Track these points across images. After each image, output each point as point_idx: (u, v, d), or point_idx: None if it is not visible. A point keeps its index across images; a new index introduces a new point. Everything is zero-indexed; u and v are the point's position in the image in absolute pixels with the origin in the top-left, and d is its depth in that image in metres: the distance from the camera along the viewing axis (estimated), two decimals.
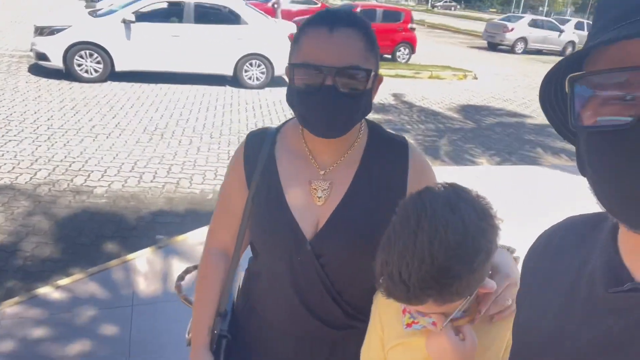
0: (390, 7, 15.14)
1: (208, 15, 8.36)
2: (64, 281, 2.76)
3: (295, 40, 0.94)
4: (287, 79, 0.96)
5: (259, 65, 8.48)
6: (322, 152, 1.03)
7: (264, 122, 6.71)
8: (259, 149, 1.06)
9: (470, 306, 0.83)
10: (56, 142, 5.19)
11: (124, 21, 7.61)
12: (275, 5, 14.20)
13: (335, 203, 1.00)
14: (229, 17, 8.38)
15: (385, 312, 0.93)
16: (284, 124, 1.12)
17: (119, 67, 7.82)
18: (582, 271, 0.57)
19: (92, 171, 4.56)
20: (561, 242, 0.64)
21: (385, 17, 12.87)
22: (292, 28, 8.73)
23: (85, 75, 7.71)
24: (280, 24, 9.08)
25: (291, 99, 0.95)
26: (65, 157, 4.83)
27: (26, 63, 8.61)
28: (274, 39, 8.35)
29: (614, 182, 0.46)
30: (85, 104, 6.69)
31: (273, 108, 7.50)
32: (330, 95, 0.87)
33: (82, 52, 7.59)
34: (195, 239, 3.28)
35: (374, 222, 0.96)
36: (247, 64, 8.41)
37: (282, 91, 8.57)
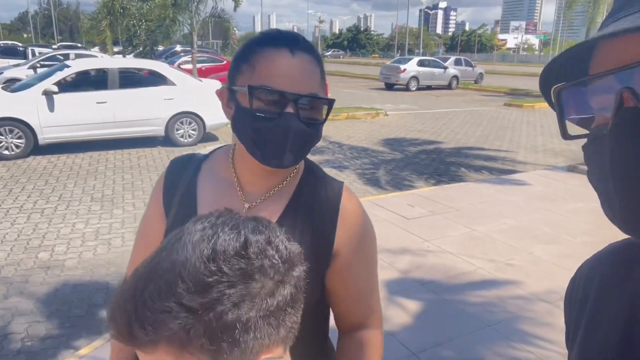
0: None
1: (133, 79, 8.39)
2: (85, 350, 2.67)
3: (243, 58, 0.85)
4: (227, 118, 0.89)
5: (189, 123, 8.58)
6: (251, 184, 0.93)
7: None
8: (180, 176, 0.97)
9: None
10: (1, 222, 4.85)
11: (45, 93, 7.37)
12: (182, 66, 14.46)
13: None
14: (155, 80, 8.46)
15: None
16: (213, 150, 1.02)
17: (43, 140, 7.47)
18: (636, 303, 0.51)
19: (54, 245, 4.35)
20: (605, 273, 0.58)
21: None
22: (216, 85, 9.03)
23: (5, 152, 7.25)
24: (206, 82, 9.33)
25: (241, 124, 0.84)
26: (19, 235, 4.54)
27: None
28: (202, 97, 8.57)
29: (604, 194, 0.45)
30: (16, 181, 6.30)
31: None
32: (290, 123, 0.80)
33: (1, 129, 7.17)
34: None
35: None
36: (178, 122, 8.49)
37: (214, 145, 8.71)
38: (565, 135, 0.48)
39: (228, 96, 0.88)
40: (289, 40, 0.83)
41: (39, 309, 3.30)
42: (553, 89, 0.47)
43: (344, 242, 0.91)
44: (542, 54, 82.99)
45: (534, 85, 25.28)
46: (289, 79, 0.80)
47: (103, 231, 4.71)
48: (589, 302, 0.58)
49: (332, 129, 10.69)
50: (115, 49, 22.89)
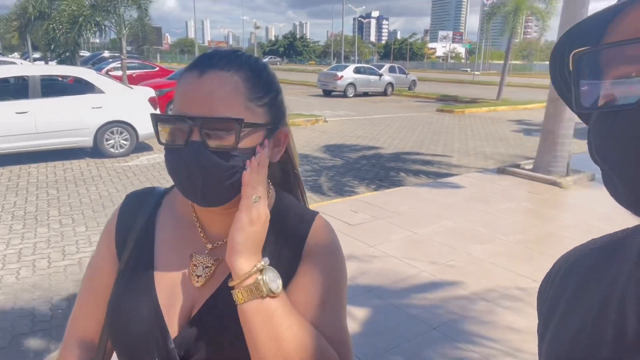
0: None
1: (57, 88, 7.87)
2: None
3: None
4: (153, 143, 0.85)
5: (121, 133, 8.16)
6: (212, 223, 0.82)
7: (144, 187, 6.47)
8: (136, 212, 0.86)
9: None
10: None
11: None
12: (110, 72, 13.79)
13: (215, 286, 0.78)
14: (81, 87, 7.97)
15: None
16: (173, 186, 0.88)
17: None
18: (611, 295, 0.50)
19: None
20: (586, 265, 0.57)
21: None
22: (150, 92, 8.67)
23: None
24: (138, 90, 8.91)
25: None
26: None
27: None
28: (134, 105, 8.18)
29: (619, 170, 0.42)
30: None
31: (148, 173, 7.27)
32: (196, 153, 0.68)
33: None
34: None
35: None
36: (108, 132, 8.04)
37: (148, 155, 8.35)
38: (579, 105, 0.44)
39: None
40: (202, 61, 0.73)
41: None
42: (574, 53, 0.43)
43: (304, 274, 0.79)
44: (468, 61, 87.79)
45: (462, 91, 26.58)
46: (192, 101, 0.70)
47: (26, 252, 4.33)
48: (565, 296, 0.57)
49: None
50: (37, 55, 21.43)
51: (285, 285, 0.76)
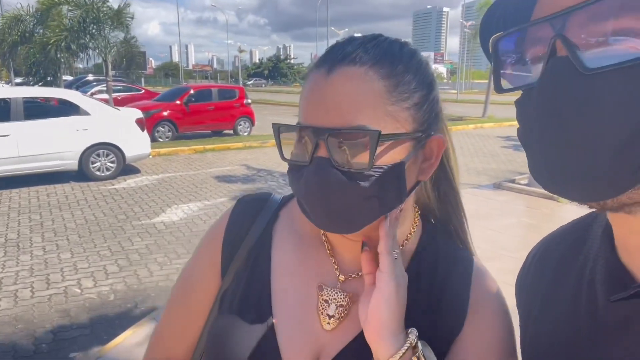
0: (224, 86, 15.83)
1: (41, 110, 7.66)
2: None
3: None
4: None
5: (107, 155, 7.92)
6: (346, 249, 0.66)
7: (133, 210, 6.24)
8: (249, 223, 0.71)
9: None
10: None
11: None
12: (95, 95, 13.58)
13: (353, 332, 0.62)
14: (66, 109, 7.74)
15: None
16: (293, 195, 0.73)
17: None
18: (581, 280, 0.50)
19: None
20: (557, 254, 0.57)
21: (221, 95, 13.35)
22: (137, 114, 8.48)
23: None
24: (125, 111, 8.71)
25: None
26: None
27: None
28: (120, 126, 7.99)
29: (531, 151, 0.42)
30: None
31: (136, 195, 7.02)
32: (321, 173, 0.54)
33: None
34: (127, 343, 2.89)
35: None
36: (94, 154, 7.80)
37: (135, 177, 8.12)
38: (499, 88, 0.45)
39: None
40: (335, 50, 0.58)
41: None
42: (492, 39, 0.44)
43: (472, 332, 0.63)
44: (450, 81, 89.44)
45: (447, 109, 26.58)
46: (317, 108, 0.55)
47: (7, 282, 4.06)
48: (542, 285, 0.57)
49: (262, 156, 10.45)
50: (19, 80, 21.12)
51: (447, 349, 0.62)
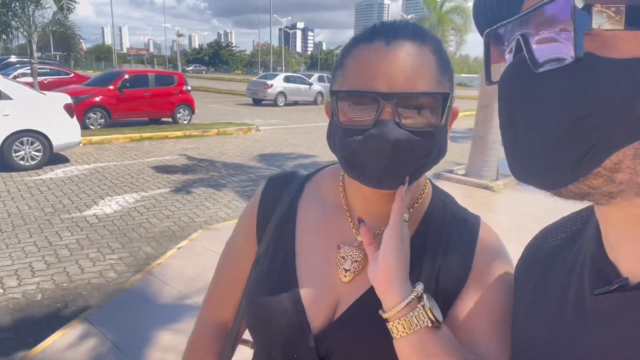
0: (162, 71, 15.20)
1: None
2: None
3: (337, 66, 0.70)
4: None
5: (32, 143, 7.35)
6: (365, 210, 0.74)
7: (61, 202, 5.83)
8: (278, 197, 0.81)
9: None
10: None
11: None
12: (18, 79, 12.58)
13: (367, 285, 0.69)
14: None
15: None
16: (317, 170, 0.86)
17: None
18: (572, 273, 0.50)
19: None
20: (552, 245, 0.58)
21: (158, 81, 12.78)
22: (66, 99, 7.92)
23: None
24: (52, 96, 8.10)
25: (333, 140, 0.69)
26: None
27: None
28: (47, 113, 7.43)
29: (505, 142, 0.44)
30: None
31: (65, 186, 6.57)
32: (390, 133, 0.61)
33: None
34: (56, 346, 2.69)
35: None
36: (17, 142, 7.21)
37: (64, 167, 7.60)
38: (489, 81, 0.47)
39: (328, 108, 0.73)
40: (386, 31, 0.66)
41: None
42: (485, 33, 0.46)
43: (475, 288, 0.70)
44: None
45: None
46: (380, 75, 0.62)
47: None
48: (532, 277, 0.58)
49: (203, 146, 10.15)
50: None
51: (450, 304, 0.69)
